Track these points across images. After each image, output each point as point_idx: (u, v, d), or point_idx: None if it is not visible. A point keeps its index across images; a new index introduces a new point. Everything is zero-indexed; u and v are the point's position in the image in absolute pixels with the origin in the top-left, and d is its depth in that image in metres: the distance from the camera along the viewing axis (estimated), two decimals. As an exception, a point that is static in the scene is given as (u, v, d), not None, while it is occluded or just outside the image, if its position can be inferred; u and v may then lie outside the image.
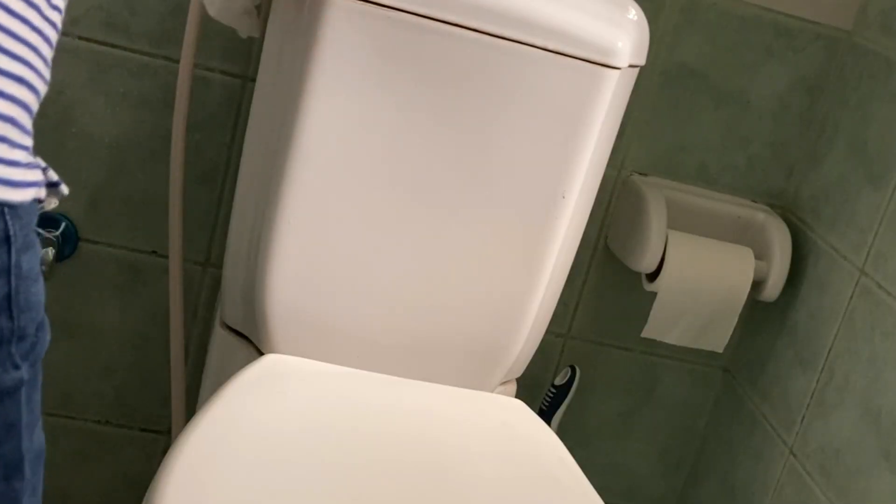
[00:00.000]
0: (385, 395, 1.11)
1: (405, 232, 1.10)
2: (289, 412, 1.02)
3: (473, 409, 1.13)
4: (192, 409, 1.40)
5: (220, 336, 1.22)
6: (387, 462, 0.99)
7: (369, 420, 1.06)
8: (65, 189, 0.57)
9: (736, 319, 1.44)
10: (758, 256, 1.43)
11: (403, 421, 1.07)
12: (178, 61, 1.29)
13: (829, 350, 1.37)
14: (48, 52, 0.54)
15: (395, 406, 1.09)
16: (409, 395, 1.12)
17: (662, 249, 1.39)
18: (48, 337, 0.57)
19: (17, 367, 0.53)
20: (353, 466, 0.97)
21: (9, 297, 0.51)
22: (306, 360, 1.12)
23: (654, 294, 1.42)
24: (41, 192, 0.54)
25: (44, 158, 1.41)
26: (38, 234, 0.54)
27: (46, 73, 0.54)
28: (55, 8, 0.55)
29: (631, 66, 1.10)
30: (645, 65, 1.17)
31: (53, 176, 0.56)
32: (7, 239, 0.50)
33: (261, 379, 1.07)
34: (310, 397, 1.06)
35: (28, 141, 0.52)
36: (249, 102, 1.33)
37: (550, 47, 1.04)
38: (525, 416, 1.14)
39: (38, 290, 0.54)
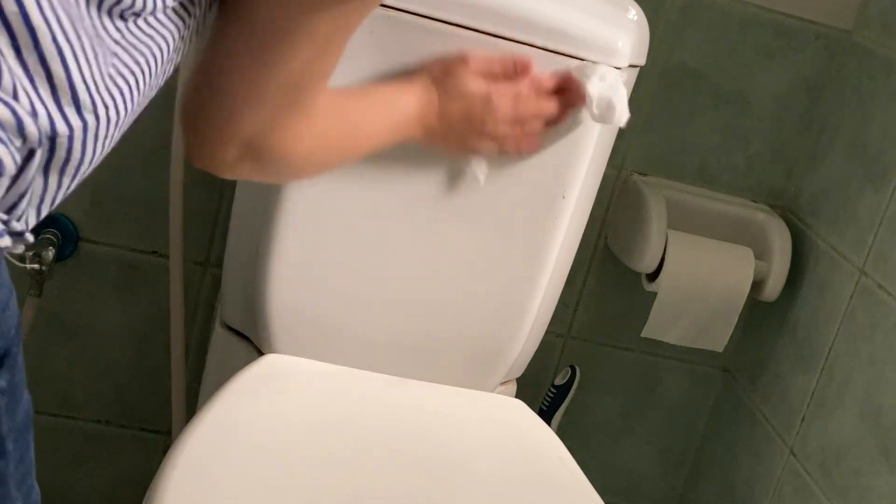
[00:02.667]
0: (385, 394, 1.11)
1: (405, 231, 1.10)
2: (289, 412, 1.02)
3: (473, 409, 1.13)
4: (192, 409, 1.40)
5: (220, 336, 1.22)
6: (387, 462, 0.99)
7: (369, 420, 1.06)
8: (30, 237, 0.59)
9: (736, 319, 1.44)
10: (758, 256, 1.43)
11: (403, 421, 1.07)
12: (178, 61, 1.29)
13: (829, 350, 1.37)
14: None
15: (395, 406, 1.09)
16: (409, 394, 1.12)
17: (662, 249, 1.39)
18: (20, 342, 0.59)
19: None
20: (353, 466, 0.97)
21: None
22: (306, 360, 1.12)
23: (654, 294, 1.42)
24: (5, 241, 0.55)
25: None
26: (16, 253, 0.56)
27: (17, 155, 0.55)
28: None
29: (631, 66, 1.10)
30: (645, 65, 1.17)
31: (17, 227, 0.57)
32: None
33: (261, 379, 1.07)
34: (310, 397, 1.06)
35: None
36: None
37: (550, 47, 1.04)
38: (525, 416, 1.14)
39: (9, 316, 0.56)
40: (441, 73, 1.00)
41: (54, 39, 0.54)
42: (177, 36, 0.66)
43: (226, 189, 1.39)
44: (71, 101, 0.56)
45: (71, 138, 0.58)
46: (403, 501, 0.95)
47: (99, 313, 1.42)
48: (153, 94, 0.68)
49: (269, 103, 0.75)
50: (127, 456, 1.50)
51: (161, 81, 0.67)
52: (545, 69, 1.04)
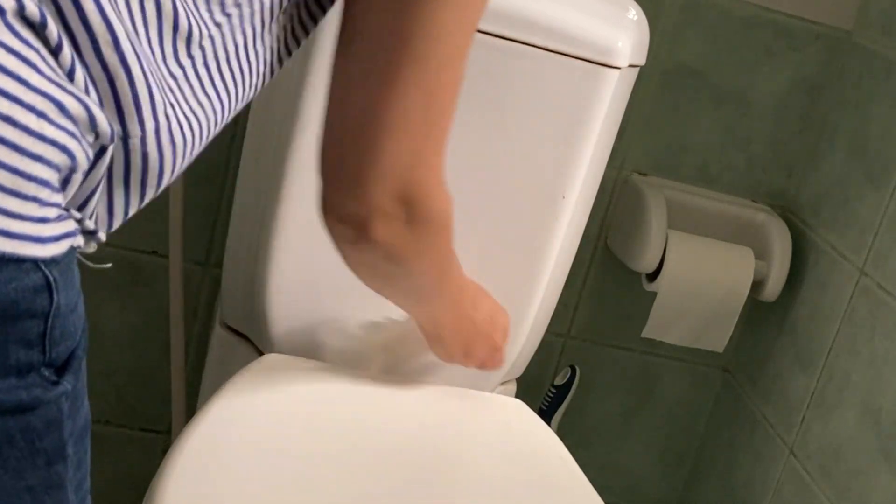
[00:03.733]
0: (384, 395, 1.10)
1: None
2: (288, 412, 1.02)
3: (473, 409, 1.13)
4: (192, 409, 1.40)
5: (220, 336, 1.22)
6: (386, 462, 0.99)
7: (369, 420, 1.05)
8: (102, 236, 0.60)
9: (736, 319, 1.44)
10: (758, 256, 1.43)
11: (403, 421, 1.07)
12: (178, 61, 1.29)
13: (829, 350, 1.37)
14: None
15: (395, 406, 1.09)
16: (408, 394, 1.12)
17: (662, 249, 1.39)
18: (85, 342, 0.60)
19: (55, 383, 0.55)
20: (353, 466, 0.97)
21: (43, 334, 0.53)
22: (306, 360, 1.12)
23: (654, 294, 1.42)
24: (78, 240, 0.56)
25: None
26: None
27: (90, 151, 0.55)
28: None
29: (631, 66, 1.10)
30: (645, 65, 1.17)
31: (90, 225, 0.58)
32: (48, 286, 0.52)
33: (260, 379, 1.07)
34: (309, 397, 1.06)
35: (58, 198, 0.54)
36: (249, 102, 1.33)
37: (550, 47, 1.04)
38: (525, 416, 1.14)
39: (76, 318, 0.56)
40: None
41: (132, 44, 0.56)
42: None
43: (226, 189, 1.39)
44: (145, 101, 0.57)
45: (144, 141, 0.58)
46: (403, 501, 0.95)
47: (99, 313, 1.42)
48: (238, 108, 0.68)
49: (410, 128, 0.70)
50: (127, 456, 1.50)
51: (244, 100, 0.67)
52: (543, 70, 1.04)
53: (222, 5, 0.62)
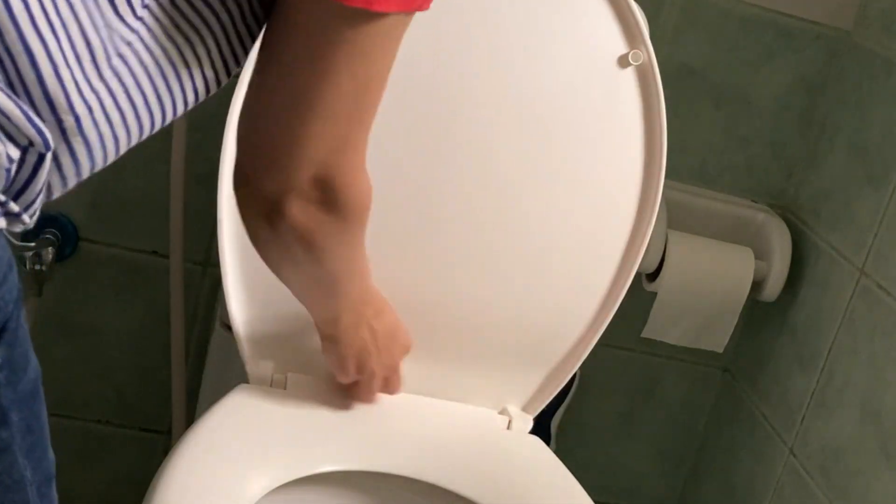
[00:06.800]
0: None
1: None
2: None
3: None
4: (192, 409, 1.40)
5: (220, 336, 1.22)
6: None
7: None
8: (27, 219, 0.59)
9: (736, 319, 1.44)
10: (758, 256, 1.43)
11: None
12: (178, 61, 1.29)
13: (829, 350, 1.37)
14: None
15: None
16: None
17: (662, 249, 1.39)
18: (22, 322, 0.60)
19: None
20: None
21: None
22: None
23: (654, 294, 1.42)
24: (1, 222, 0.56)
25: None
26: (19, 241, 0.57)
27: (14, 152, 0.55)
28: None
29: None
30: (645, 65, 1.17)
31: (13, 208, 0.58)
32: None
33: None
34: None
35: None
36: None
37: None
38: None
39: (5, 290, 0.57)
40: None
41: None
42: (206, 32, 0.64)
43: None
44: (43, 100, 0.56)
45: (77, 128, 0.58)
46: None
47: (99, 313, 1.42)
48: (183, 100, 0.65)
49: (339, 114, 0.69)
50: (127, 456, 1.50)
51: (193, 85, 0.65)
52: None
53: None
